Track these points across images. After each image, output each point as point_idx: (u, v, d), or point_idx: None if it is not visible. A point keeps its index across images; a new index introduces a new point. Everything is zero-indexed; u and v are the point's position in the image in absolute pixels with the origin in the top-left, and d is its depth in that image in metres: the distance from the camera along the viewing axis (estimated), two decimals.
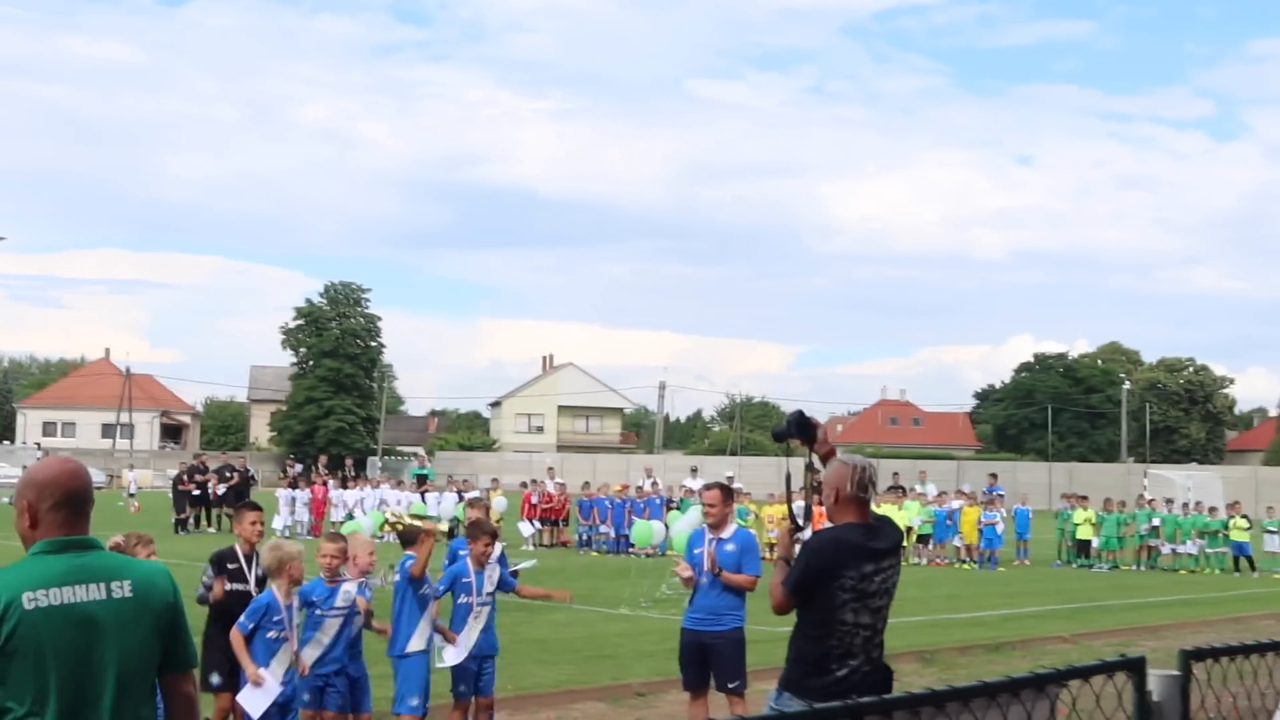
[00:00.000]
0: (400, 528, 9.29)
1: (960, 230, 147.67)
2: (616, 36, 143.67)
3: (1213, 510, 30.67)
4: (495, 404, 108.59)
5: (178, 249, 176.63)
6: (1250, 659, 4.19)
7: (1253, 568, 28.70)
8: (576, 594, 19.96)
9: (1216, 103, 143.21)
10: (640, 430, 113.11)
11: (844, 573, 5.64)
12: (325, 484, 34.13)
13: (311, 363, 79.30)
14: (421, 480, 36.06)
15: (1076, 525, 30.22)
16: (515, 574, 10.23)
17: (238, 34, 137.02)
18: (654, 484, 33.35)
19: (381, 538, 23.52)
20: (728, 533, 9.34)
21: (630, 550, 28.95)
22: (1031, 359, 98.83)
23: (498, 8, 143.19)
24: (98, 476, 59.61)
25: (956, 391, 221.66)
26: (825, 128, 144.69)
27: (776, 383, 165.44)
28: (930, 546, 29.34)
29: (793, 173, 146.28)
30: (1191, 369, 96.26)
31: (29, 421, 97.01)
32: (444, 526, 9.20)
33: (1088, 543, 29.92)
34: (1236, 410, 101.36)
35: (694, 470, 37.46)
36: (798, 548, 5.91)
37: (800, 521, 6.15)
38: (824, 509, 6.06)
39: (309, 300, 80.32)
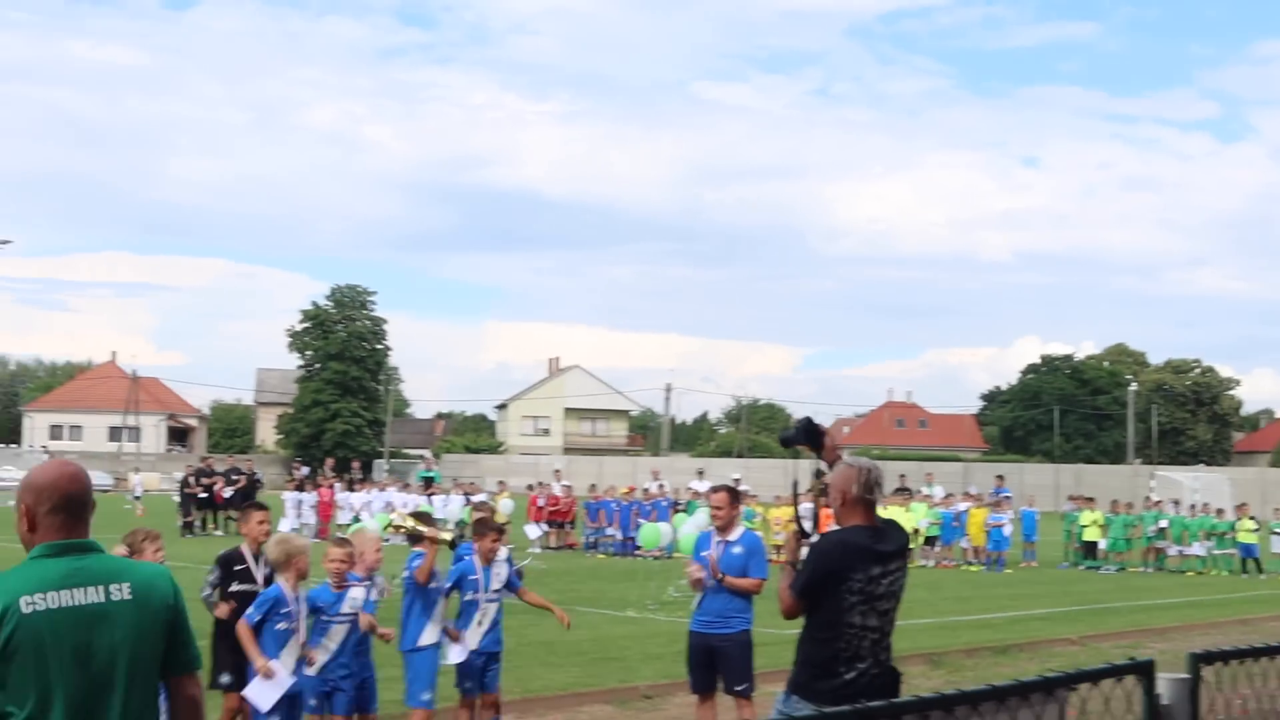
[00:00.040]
0: (405, 530, 9.29)
1: (966, 232, 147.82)
2: (621, 39, 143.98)
3: (1220, 512, 30.62)
4: (501, 406, 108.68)
5: (183, 252, 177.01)
6: (1259, 662, 4.17)
7: (1260, 569, 28.64)
8: (583, 596, 20.15)
9: (1222, 104, 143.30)
10: (646, 432, 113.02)
11: (851, 575, 5.64)
12: (332, 487, 34.17)
13: (318, 365, 79.35)
14: (428, 483, 36.01)
15: (1083, 527, 30.20)
16: (520, 573, 10.23)
17: (243, 37, 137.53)
18: (660, 486, 33.33)
19: (388, 540, 23.48)
20: (735, 535, 9.34)
21: (637, 552, 28.98)
22: (1038, 361, 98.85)
23: (502, 10, 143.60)
24: (104, 480, 59.68)
25: (963, 393, 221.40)
26: (830, 130, 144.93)
27: (782, 385, 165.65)
28: (937, 548, 29.27)
29: (798, 174, 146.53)
30: (1198, 370, 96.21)
31: (35, 424, 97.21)
32: (448, 536, 9.19)
33: (1095, 544, 29.89)
34: (1243, 412, 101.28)
35: (700, 473, 37.50)
36: (804, 551, 5.91)
37: (808, 528, 6.15)
38: (830, 511, 6.06)
39: (315, 303, 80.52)
